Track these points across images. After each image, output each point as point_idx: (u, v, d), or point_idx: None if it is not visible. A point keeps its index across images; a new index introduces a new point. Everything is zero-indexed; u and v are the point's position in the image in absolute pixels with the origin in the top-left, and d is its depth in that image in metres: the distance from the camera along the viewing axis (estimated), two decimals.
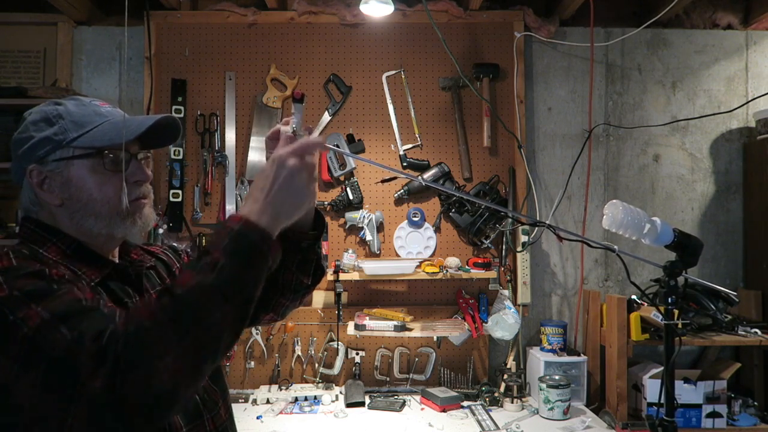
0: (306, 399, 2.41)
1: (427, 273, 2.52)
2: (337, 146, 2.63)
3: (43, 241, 0.94)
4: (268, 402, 2.42)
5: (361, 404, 2.38)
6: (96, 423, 0.73)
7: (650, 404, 2.32)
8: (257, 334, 2.58)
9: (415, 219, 2.65)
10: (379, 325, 2.48)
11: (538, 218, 2.67)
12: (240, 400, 2.45)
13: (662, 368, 1.53)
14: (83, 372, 0.72)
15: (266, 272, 0.86)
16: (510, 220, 2.57)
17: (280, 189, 0.87)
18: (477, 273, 2.55)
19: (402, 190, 2.67)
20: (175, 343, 0.75)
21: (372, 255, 2.65)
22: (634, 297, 2.44)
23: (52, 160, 0.94)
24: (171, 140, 1.07)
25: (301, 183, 0.89)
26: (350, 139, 2.68)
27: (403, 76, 2.71)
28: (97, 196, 0.95)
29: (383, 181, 2.65)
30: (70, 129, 0.95)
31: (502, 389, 2.48)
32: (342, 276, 2.50)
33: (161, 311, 0.76)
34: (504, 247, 2.65)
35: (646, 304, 2.41)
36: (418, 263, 2.55)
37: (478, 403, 2.42)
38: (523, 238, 2.60)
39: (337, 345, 2.59)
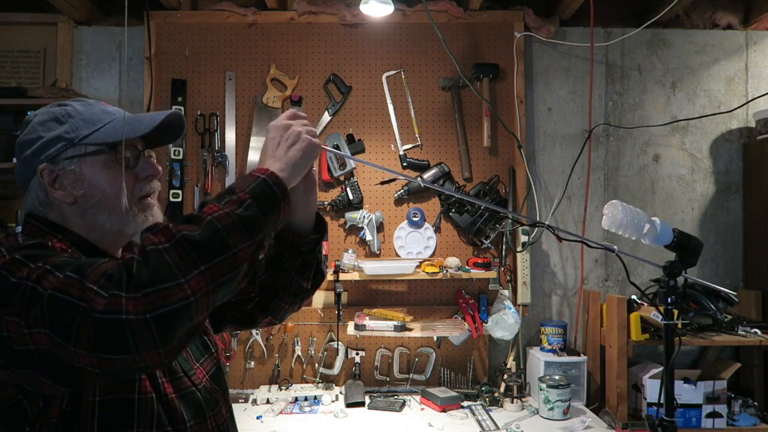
0: (306, 399, 2.41)
1: (427, 273, 2.52)
2: (337, 146, 2.63)
3: (49, 238, 0.94)
4: (268, 402, 2.42)
5: (361, 404, 2.38)
6: (99, 345, 0.73)
7: (650, 404, 2.32)
8: (257, 334, 2.58)
9: (415, 219, 2.65)
10: (379, 325, 2.48)
11: (538, 218, 2.67)
12: (240, 400, 2.45)
13: (662, 368, 1.53)
14: (85, 296, 0.73)
15: (274, 227, 0.91)
16: (510, 220, 2.57)
17: (290, 148, 0.97)
18: (477, 273, 2.55)
19: (402, 190, 2.67)
20: (199, 263, 0.77)
21: (372, 255, 2.65)
22: (634, 297, 2.44)
23: (64, 158, 0.94)
24: (175, 137, 1.07)
25: (304, 141, 0.99)
26: (350, 139, 2.68)
27: (403, 76, 2.71)
28: (110, 191, 0.95)
29: (383, 183, 2.64)
30: (81, 127, 0.95)
31: (502, 389, 2.49)
32: (342, 276, 2.50)
33: (185, 234, 0.78)
34: (504, 247, 2.65)
35: (646, 304, 2.41)
36: (418, 263, 2.55)
37: (478, 403, 2.42)
38: (523, 238, 2.60)
39: (337, 345, 2.59)
